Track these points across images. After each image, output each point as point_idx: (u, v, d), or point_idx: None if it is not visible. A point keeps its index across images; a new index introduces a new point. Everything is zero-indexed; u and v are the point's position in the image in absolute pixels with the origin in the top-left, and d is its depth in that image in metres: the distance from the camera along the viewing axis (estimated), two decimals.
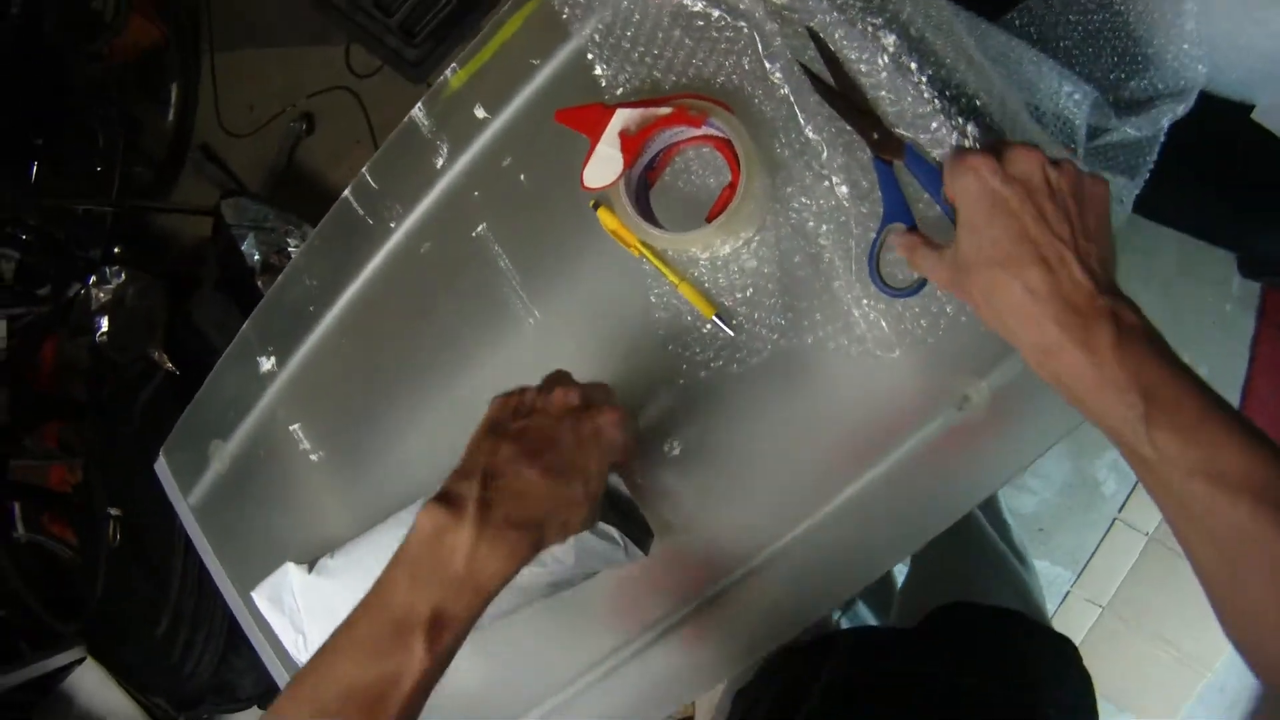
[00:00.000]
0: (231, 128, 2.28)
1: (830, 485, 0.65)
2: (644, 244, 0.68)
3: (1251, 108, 0.94)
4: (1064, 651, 0.83)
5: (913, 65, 0.57)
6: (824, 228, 0.62)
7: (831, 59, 0.59)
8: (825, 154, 0.60)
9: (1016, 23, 0.81)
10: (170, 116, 2.30)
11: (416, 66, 1.63)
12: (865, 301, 0.62)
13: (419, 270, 0.82)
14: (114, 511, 1.62)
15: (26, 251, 2.03)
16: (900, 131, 0.59)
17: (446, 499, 0.50)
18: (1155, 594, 1.62)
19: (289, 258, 1.81)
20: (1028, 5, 0.81)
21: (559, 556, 0.66)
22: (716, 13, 0.65)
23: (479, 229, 0.78)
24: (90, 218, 2.16)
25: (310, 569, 0.79)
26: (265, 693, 1.70)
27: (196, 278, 1.96)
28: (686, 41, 0.66)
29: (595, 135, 0.64)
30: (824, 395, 0.66)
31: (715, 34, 0.65)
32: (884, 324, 0.62)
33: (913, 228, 0.57)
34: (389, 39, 1.63)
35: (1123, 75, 0.77)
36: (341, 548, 0.79)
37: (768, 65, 0.62)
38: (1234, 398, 1.58)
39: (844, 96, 0.60)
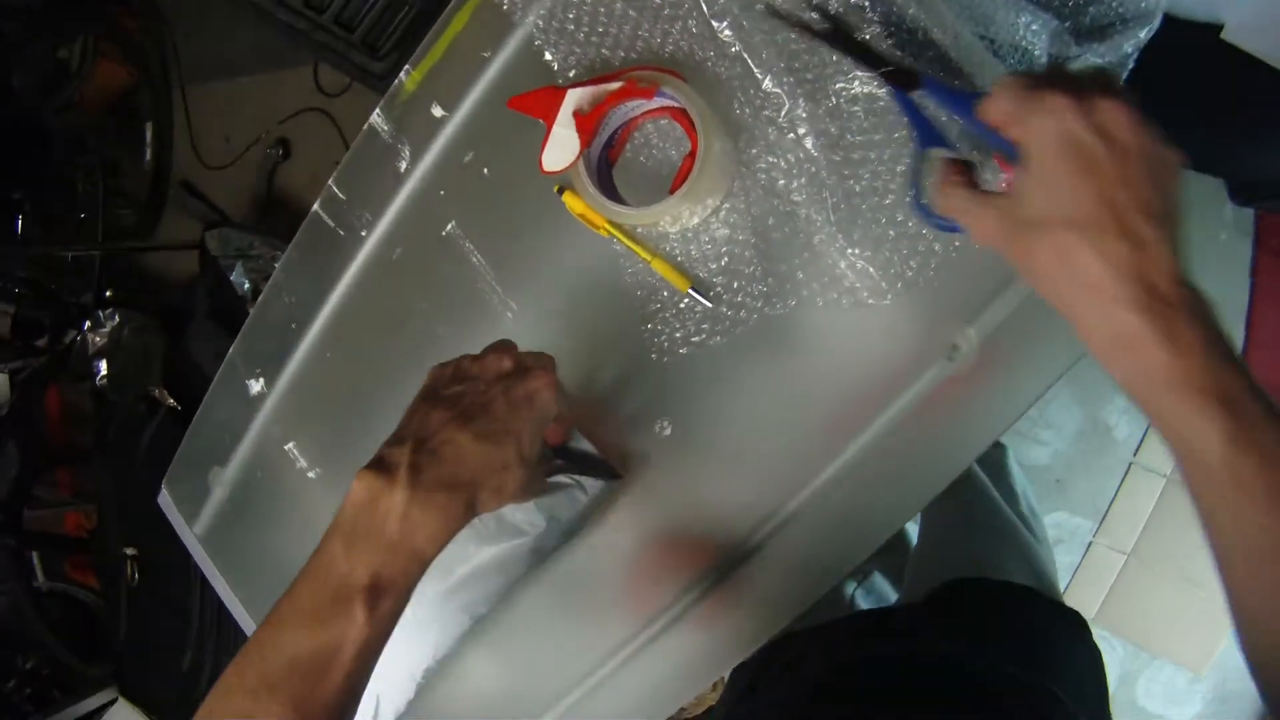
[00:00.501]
0: (209, 160, 2.28)
1: (828, 449, 0.64)
2: (611, 223, 0.67)
3: (1220, 28, 0.92)
4: (1074, 627, 0.81)
5: (865, 4, 0.56)
6: (795, 183, 0.61)
7: (776, 10, 0.58)
8: (786, 106, 0.59)
9: None
10: (148, 156, 2.31)
11: (384, 79, 1.62)
12: (851, 251, 0.60)
13: (394, 276, 0.81)
14: (130, 551, 1.63)
15: (20, 305, 2.05)
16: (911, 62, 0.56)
17: (379, 464, 0.51)
18: (1179, 536, 1.60)
19: None
20: None
21: (533, 521, 0.67)
22: None
23: (448, 228, 0.77)
24: (79, 264, 2.17)
25: None
26: None
27: (189, 312, 1.96)
28: (631, 14, 0.65)
29: (550, 118, 0.64)
30: (813, 358, 0.65)
31: (659, 1, 0.64)
32: (873, 271, 0.61)
33: (955, 157, 0.51)
34: (354, 55, 1.62)
35: (1081, 1, 0.75)
36: None
37: (715, 24, 0.61)
38: (1238, 328, 1.56)
39: (840, 35, 0.57)
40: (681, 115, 0.64)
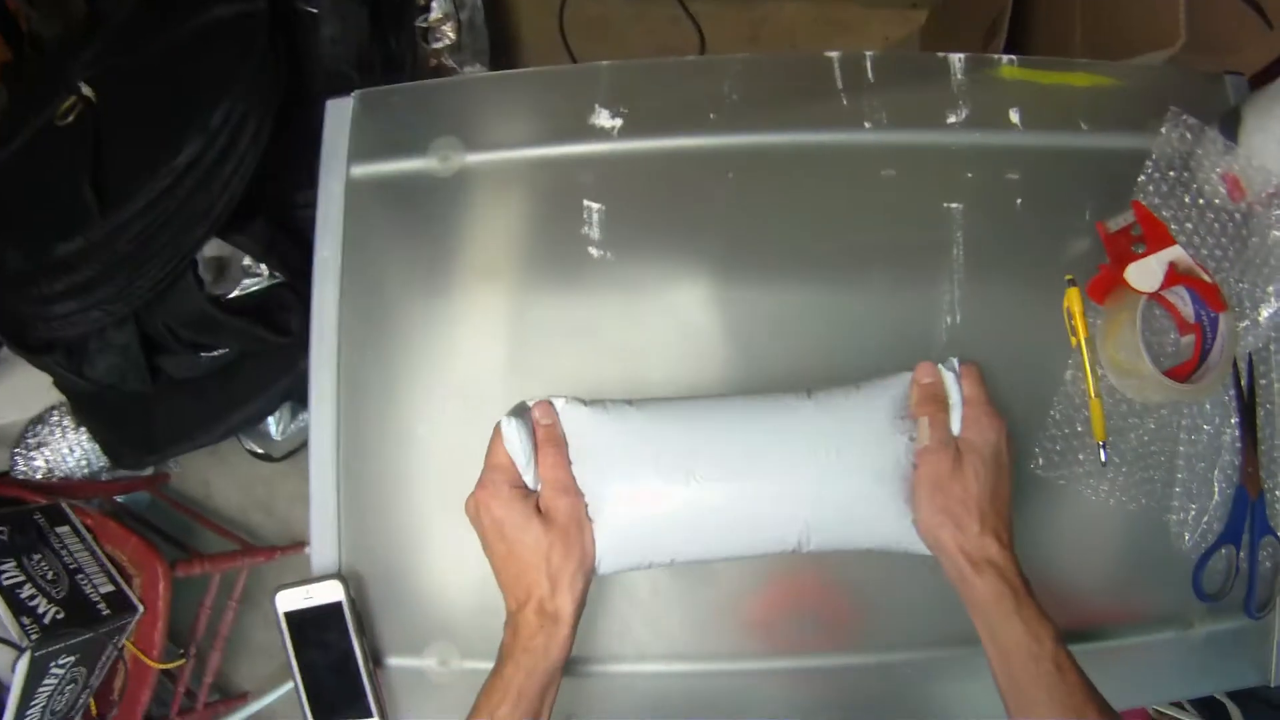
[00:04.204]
0: None
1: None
2: (1086, 344, 0.72)
3: None
4: None
5: None
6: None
7: None
8: None
9: None
10: None
11: None
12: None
13: None
14: (86, 91, 1.12)
15: None
16: None
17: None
18: None
19: None
20: None
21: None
22: None
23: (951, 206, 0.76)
24: None
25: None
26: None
27: None
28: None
29: (1154, 245, 0.69)
30: (1093, 554, 0.76)
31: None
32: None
33: None
34: None
35: None
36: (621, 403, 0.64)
37: None
38: None
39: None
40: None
